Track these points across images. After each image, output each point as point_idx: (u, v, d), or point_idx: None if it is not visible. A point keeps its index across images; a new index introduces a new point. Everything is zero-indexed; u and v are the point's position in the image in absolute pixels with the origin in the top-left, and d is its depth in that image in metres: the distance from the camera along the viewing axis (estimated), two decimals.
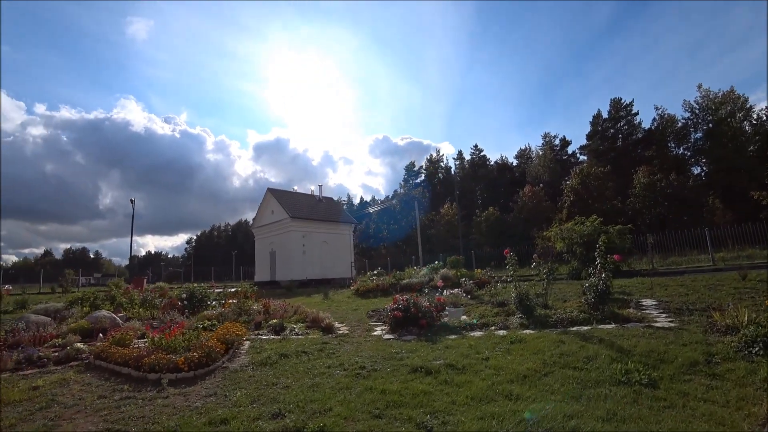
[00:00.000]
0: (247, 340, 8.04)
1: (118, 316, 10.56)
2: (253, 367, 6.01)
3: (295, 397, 4.56)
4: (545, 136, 67.07)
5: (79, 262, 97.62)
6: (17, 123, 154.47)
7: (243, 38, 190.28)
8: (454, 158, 77.74)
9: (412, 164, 76.34)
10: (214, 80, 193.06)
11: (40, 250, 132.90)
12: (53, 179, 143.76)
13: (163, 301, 13.75)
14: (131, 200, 38.44)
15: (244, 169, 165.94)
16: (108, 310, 11.78)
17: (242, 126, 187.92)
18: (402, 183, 71.11)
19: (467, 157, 74.48)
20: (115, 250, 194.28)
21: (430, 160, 74.58)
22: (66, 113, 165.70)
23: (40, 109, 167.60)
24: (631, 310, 7.98)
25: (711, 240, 19.97)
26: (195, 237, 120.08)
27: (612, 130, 56.91)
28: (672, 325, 6.70)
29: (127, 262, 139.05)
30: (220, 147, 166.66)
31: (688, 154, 53.42)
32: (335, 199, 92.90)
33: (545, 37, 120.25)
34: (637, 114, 56.29)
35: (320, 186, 41.05)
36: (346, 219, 39.25)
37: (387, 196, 72.27)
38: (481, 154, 72.86)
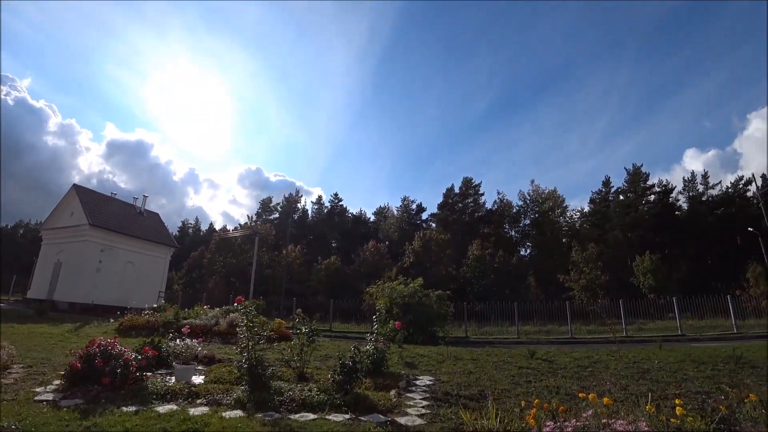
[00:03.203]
0: None
1: None
2: None
3: None
4: (404, 199, 70.03)
5: None
6: None
7: (135, 24, 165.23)
8: (312, 202, 76.28)
9: (269, 199, 72.35)
10: (83, 55, 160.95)
11: None
12: None
13: None
14: None
15: (90, 165, 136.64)
16: None
17: (102, 116, 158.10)
18: (253, 216, 66.11)
19: (326, 203, 73.69)
20: None
21: (288, 200, 71.37)
22: None
23: None
24: (390, 393, 6.04)
25: (519, 314, 20.79)
26: None
27: (460, 204, 61.93)
28: (418, 422, 4.81)
29: None
30: (66, 132, 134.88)
31: (518, 236, 60.60)
32: (184, 220, 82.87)
33: (428, 116, 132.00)
34: (483, 194, 62.69)
35: (145, 197, 34.68)
36: (165, 240, 33.34)
37: (236, 227, 66.24)
38: (340, 203, 72.69)
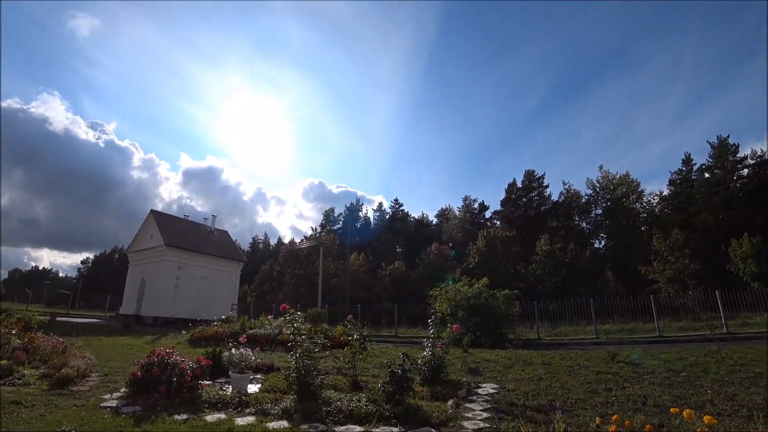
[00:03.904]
0: None
1: None
2: None
3: None
4: (465, 198, 68.40)
5: None
6: None
7: (197, 62, 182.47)
8: (374, 209, 76.93)
9: (332, 210, 74.13)
10: (155, 95, 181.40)
11: None
12: None
13: None
14: None
15: (170, 193, 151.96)
16: None
17: (176, 148, 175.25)
18: (318, 228, 68.15)
19: (388, 210, 73.97)
20: None
21: (349, 209, 72.53)
22: None
23: None
24: (448, 403, 5.50)
25: (596, 312, 19.06)
26: (92, 257, 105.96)
27: (524, 199, 59.13)
28: None
29: (6, 276, 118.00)
30: (148, 165, 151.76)
31: (590, 228, 56.58)
32: (254, 237, 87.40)
33: (483, 112, 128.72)
34: (547, 186, 59.34)
35: (214, 216, 36.80)
36: (234, 255, 35.05)
37: (302, 239, 68.59)
38: (401, 208, 72.61)
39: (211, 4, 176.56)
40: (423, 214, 73.90)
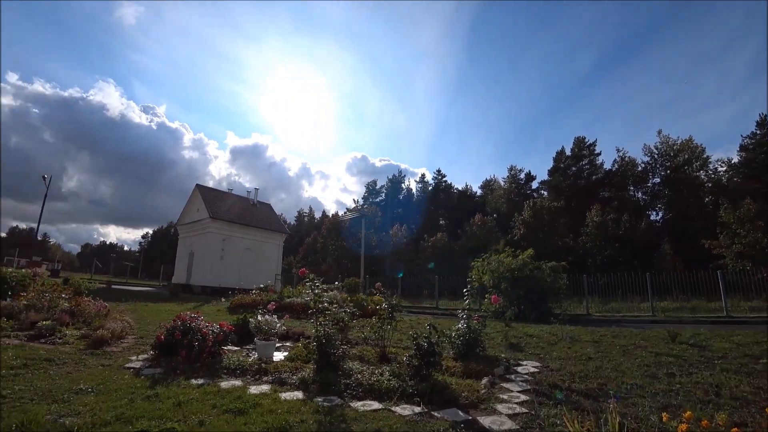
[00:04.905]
0: None
1: None
2: None
3: None
4: (511, 169, 65.57)
5: (24, 242, 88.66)
6: None
7: (238, 40, 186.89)
8: (416, 181, 75.73)
9: (374, 182, 73.65)
10: (201, 77, 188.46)
11: None
12: (17, 153, 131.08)
13: None
14: (43, 177, 31.19)
15: (219, 170, 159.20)
16: None
17: (223, 126, 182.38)
18: (360, 200, 68.27)
19: (430, 181, 72.59)
20: (72, 235, 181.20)
21: (392, 181, 71.69)
22: (39, 87, 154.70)
23: (12, 78, 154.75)
24: (481, 382, 4.93)
25: (652, 287, 17.56)
26: (151, 232, 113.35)
27: (574, 168, 55.83)
28: (507, 426, 3.61)
29: (79, 250, 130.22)
30: (198, 145, 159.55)
31: (647, 198, 52.66)
32: (300, 210, 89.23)
33: (530, 78, 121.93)
34: (599, 154, 55.44)
35: (256, 189, 37.48)
36: (277, 228, 35.69)
37: (345, 211, 69.11)
38: (444, 179, 70.92)
39: None
40: (467, 185, 72.05)
